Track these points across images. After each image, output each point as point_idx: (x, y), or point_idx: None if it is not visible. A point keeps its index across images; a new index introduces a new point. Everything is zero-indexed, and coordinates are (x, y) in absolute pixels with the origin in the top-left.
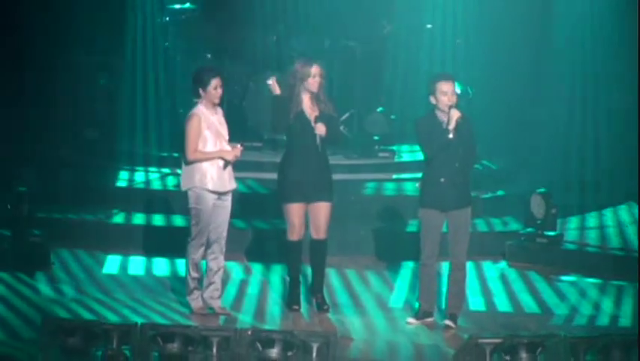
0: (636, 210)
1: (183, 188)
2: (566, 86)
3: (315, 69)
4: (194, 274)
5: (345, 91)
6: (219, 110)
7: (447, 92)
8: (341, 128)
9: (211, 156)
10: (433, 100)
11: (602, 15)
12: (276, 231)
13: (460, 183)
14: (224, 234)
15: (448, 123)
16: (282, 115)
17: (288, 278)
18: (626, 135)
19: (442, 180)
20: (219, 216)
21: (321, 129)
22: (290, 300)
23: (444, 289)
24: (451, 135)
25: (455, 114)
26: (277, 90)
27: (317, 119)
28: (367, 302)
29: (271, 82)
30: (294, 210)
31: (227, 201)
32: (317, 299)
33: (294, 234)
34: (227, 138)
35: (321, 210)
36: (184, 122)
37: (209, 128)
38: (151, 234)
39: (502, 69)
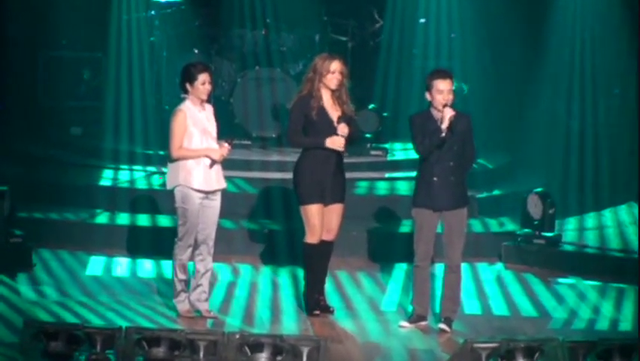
0: (636, 211)
1: (168, 187)
2: (564, 82)
3: (335, 65)
4: (181, 276)
5: None
6: (208, 107)
7: (443, 91)
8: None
9: (197, 154)
10: (428, 97)
11: (601, 10)
12: (265, 231)
13: (455, 183)
14: (213, 235)
15: (441, 122)
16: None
17: (306, 283)
18: (626, 134)
19: (435, 179)
20: (207, 216)
21: (344, 130)
22: (311, 305)
23: (438, 292)
24: (443, 134)
25: (448, 113)
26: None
27: (340, 120)
28: (359, 305)
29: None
30: (316, 212)
31: (216, 201)
32: (320, 302)
33: (315, 236)
34: (214, 135)
35: (336, 211)
36: (170, 119)
37: (195, 124)
38: (136, 234)
39: (498, 65)
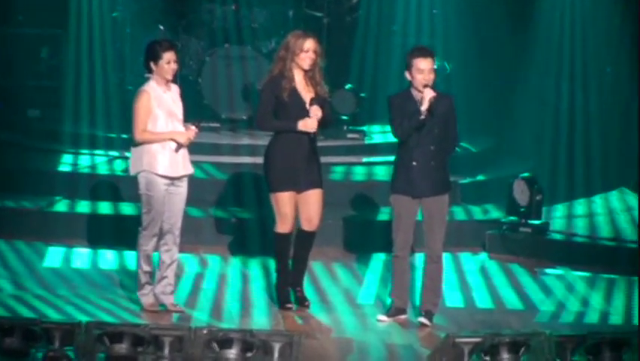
0: (628, 197)
1: (132, 172)
2: (553, 61)
3: (309, 43)
4: (146, 268)
5: None
6: (174, 87)
7: (423, 70)
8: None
9: (161, 138)
10: (408, 76)
11: None
12: (235, 220)
13: (436, 168)
14: (179, 224)
15: (421, 103)
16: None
17: (278, 275)
18: (618, 115)
19: (415, 163)
20: (173, 203)
21: (317, 112)
22: (282, 298)
23: (419, 283)
24: (423, 116)
25: (429, 94)
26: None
27: (313, 101)
28: (335, 298)
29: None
30: (287, 200)
31: (182, 187)
32: (297, 293)
33: (286, 225)
34: (181, 117)
35: (314, 198)
36: (133, 100)
37: (160, 106)
38: (97, 223)
39: (483, 43)
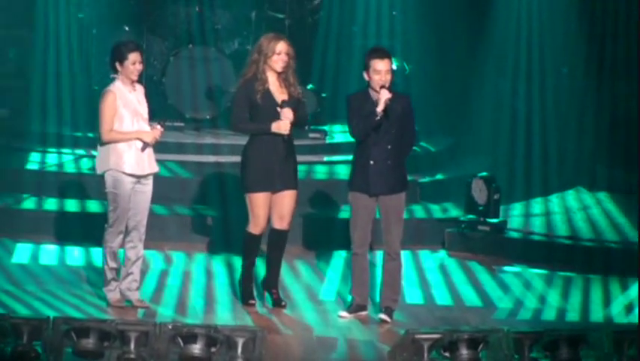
0: (584, 196)
1: (98, 171)
2: (510, 62)
3: (281, 46)
4: (112, 264)
5: None
6: (139, 88)
7: (380, 71)
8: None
9: (127, 137)
10: (366, 76)
11: None
12: (199, 217)
13: (393, 167)
14: (144, 221)
15: (374, 105)
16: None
17: (242, 272)
18: (574, 115)
19: (372, 162)
20: (138, 201)
21: (288, 115)
22: (246, 295)
23: (378, 280)
24: (378, 117)
25: (384, 95)
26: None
27: (284, 104)
28: (296, 294)
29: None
30: (261, 201)
31: (148, 185)
32: (273, 295)
33: (258, 227)
34: (146, 117)
35: (287, 198)
36: (99, 100)
37: (126, 106)
38: (64, 220)
39: (442, 44)
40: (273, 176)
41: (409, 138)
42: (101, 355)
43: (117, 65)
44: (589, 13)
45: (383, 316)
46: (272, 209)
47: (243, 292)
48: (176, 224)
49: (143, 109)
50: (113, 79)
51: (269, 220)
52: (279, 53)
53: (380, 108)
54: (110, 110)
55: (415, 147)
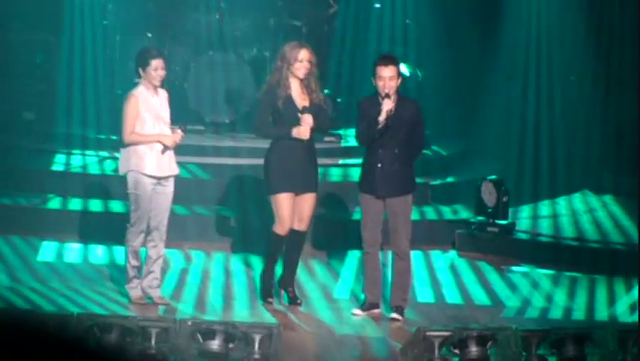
0: (590, 199)
1: (121, 172)
2: (520, 69)
3: (303, 54)
4: (134, 262)
5: None
6: (162, 92)
7: (383, 78)
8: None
9: (148, 140)
10: (374, 83)
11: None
12: (218, 218)
13: (399, 170)
14: (165, 221)
15: (378, 114)
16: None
17: (264, 268)
18: (581, 123)
19: (379, 165)
20: (159, 202)
21: (307, 120)
22: (265, 292)
23: (389, 279)
24: (379, 126)
25: (387, 105)
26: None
27: (304, 110)
28: (312, 293)
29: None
30: (285, 202)
31: (169, 187)
32: (289, 293)
33: (284, 227)
34: (168, 121)
35: (308, 201)
36: (122, 103)
37: (147, 110)
38: (88, 220)
39: (453, 51)
40: (295, 178)
41: (417, 142)
42: (123, 350)
43: (140, 70)
44: (596, 23)
45: (394, 315)
46: (293, 210)
47: (263, 289)
48: (195, 224)
49: (165, 113)
50: (137, 83)
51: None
52: (301, 60)
53: (382, 118)
54: (132, 113)
55: (426, 151)
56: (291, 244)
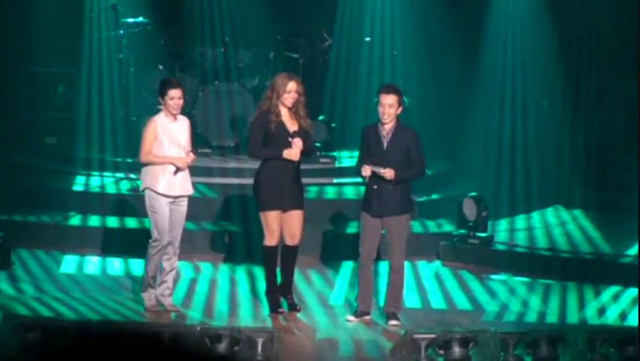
0: (562, 213)
1: (140, 189)
2: (497, 96)
3: (291, 85)
4: (152, 274)
5: None
6: (182, 119)
7: (384, 105)
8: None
9: (162, 161)
10: (377, 108)
11: (531, 29)
12: (224, 232)
13: (394, 192)
14: (179, 237)
15: (377, 141)
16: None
17: (267, 285)
18: (552, 144)
19: (376, 187)
20: (174, 220)
21: (298, 144)
22: (274, 304)
23: (382, 287)
24: (366, 180)
25: (366, 172)
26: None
27: (295, 134)
28: (309, 300)
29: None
30: (274, 217)
31: (182, 206)
32: (288, 300)
33: (273, 239)
34: (184, 145)
35: (296, 218)
36: (142, 126)
37: (165, 134)
38: (106, 235)
39: (437, 80)
40: (283, 196)
41: (417, 168)
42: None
43: (160, 98)
44: (565, 55)
45: (392, 321)
46: (283, 227)
47: (271, 303)
48: (204, 238)
49: (182, 138)
50: (159, 110)
51: (281, 236)
52: (289, 91)
53: (365, 174)
54: (150, 135)
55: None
56: (286, 257)
